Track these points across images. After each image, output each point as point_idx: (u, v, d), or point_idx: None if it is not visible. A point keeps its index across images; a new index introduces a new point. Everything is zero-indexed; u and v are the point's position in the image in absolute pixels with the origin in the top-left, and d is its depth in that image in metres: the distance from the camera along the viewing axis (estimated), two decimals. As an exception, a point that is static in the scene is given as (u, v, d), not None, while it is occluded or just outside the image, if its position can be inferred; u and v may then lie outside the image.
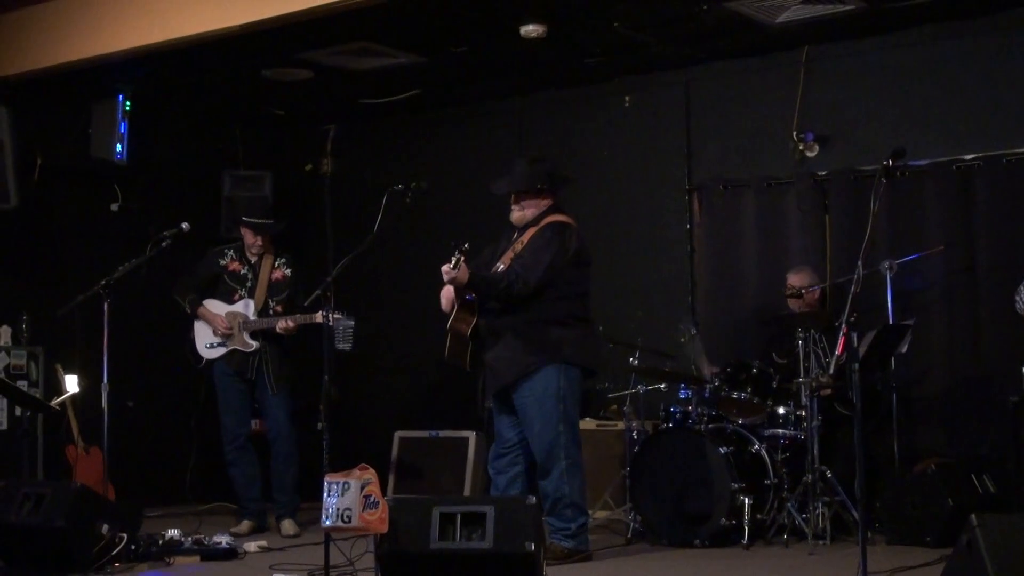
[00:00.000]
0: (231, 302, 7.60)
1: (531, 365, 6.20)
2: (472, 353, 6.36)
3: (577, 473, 6.26)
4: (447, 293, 6.33)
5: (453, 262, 5.83)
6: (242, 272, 7.66)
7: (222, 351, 7.59)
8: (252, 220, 7.67)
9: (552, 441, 6.19)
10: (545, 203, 6.42)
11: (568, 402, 6.26)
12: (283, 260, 7.72)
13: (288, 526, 7.53)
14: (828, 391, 7.11)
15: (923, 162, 7.68)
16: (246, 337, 7.53)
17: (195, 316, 7.66)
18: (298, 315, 7.30)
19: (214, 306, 7.62)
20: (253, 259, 7.68)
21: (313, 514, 6.50)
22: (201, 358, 7.67)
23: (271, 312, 7.55)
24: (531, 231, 6.33)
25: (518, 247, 6.30)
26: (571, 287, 6.32)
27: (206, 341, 7.63)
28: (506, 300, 6.17)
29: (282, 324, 7.36)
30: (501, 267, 6.29)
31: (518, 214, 6.42)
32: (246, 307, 7.56)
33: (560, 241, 6.26)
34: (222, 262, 7.71)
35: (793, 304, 7.57)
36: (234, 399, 7.64)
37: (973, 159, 7.60)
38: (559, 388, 6.22)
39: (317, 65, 8.47)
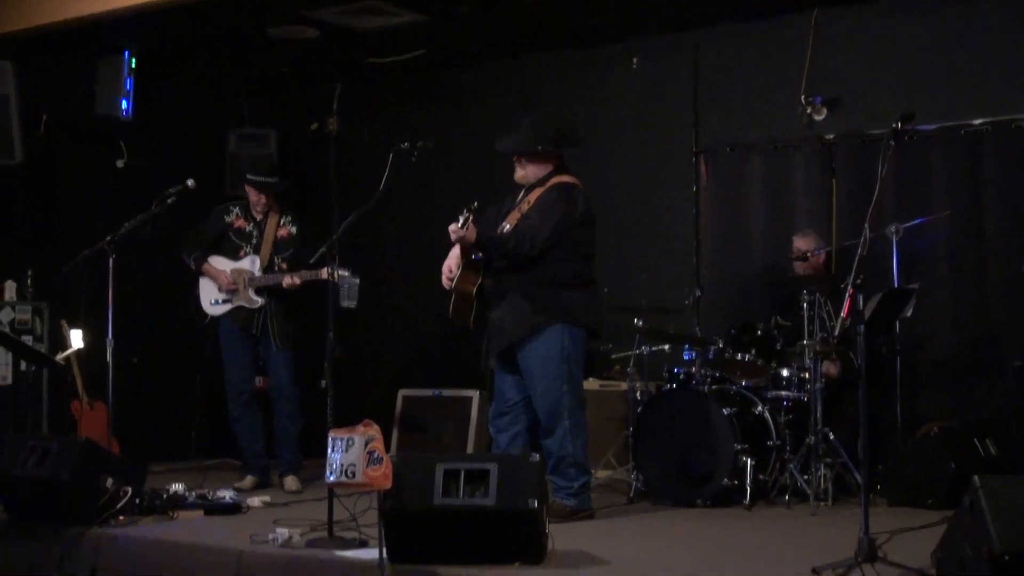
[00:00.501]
0: (236, 259, 7.61)
1: (537, 325, 6.20)
2: (476, 312, 6.37)
3: (580, 433, 6.28)
4: (453, 252, 6.33)
5: (461, 221, 5.85)
6: (247, 229, 7.66)
7: (227, 308, 7.60)
8: (256, 178, 7.66)
9: (556, 401, 6.21)
10: (549, 164, 6.40)
11: (572, 362, 6.26)
12: (288, 218, 7.72)
13: (291, 482, 7.55)
14: (833, 372, 7.15)
15: (931, 127, 7.65)
16: (251, 294, 7.53)
17: (200, 273, 7.66)
18: (304, 271, 7.30)
19: (219, 263, 7.63)
20: (258, 216, 7.68)
21: (317, 471, 6.52)
22: (206, 315, 7.67)
23: (276, 269, 7.56)
24: (537, 191, 6.31)
25: (524, 207, 6.28)
26: (577, 248, 6.32)
27: (211, 298, 7.64)
28: (513, 260, 6.17)
29: (287, 280, 7.37)
30: (507, 227, 6.28)
31: (520, 173, 6.41)
32: (252, 264, 7.57)
33: (567, 202, 6.25)
34: (227, 219, 7.71)
35: (798, 267, 7.57)
36: (238, 356, 7.66)
37: (982, 124, 7.57)
38: (563, 348, 6.22)
39: (323, 24, 8.44)
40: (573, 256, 6.30)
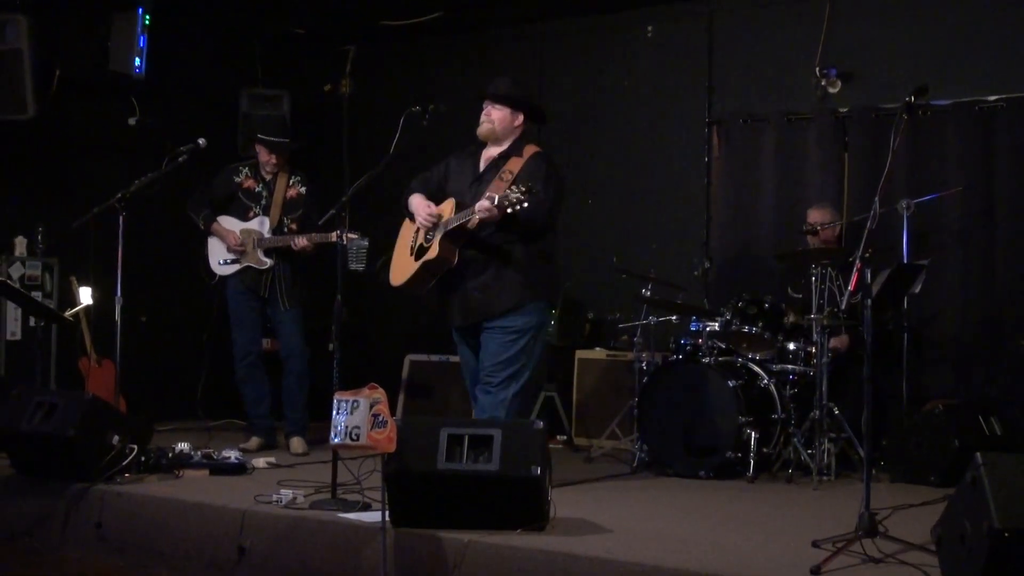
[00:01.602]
0: (246, 219, 7.61)
1: (521, 300, 6.06)
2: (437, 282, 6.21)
3: (517, 401, 6.11)
4: (424, 203, 6.20)
5: (506, 202, 5.63)
6: (257, 190, 7.66)
7: (236, 268, 7.60)
8: (267, 138, 7.64)
9: (515, 372, 6.06)
10: (517, 125, 6.23)
11: (540, 339, 6.17)
12: (298, 178, 7.71)
13: (297, 444, 7.58)
14: (842, 347, 7.15)
15: (945, 102, 7.63)
16: (260, 255, 7.54)
17: (209, 232, 7.67)
18: (313, 234, 7.30)
19: (228, 223, 7.63)
20: (268, 177, 7.67)
21: (322, 433, 6.55)
22: (214, 274, 7.67)
23: (286, 230, 7.56)
24: (515, 160, 6.13)
25: (507, 176, 6.01)
26: (555, 221, 6.23)
27: (220, 258, 7.64)
28: (526, 234, 6.02)
29: (299, 242, 7.36)
30: (495, 198, 5.94)
31: (486, 127, 6.21)
32: (261, 225, 7.57)
33: (557, 174, 6.16)
34: (237, 179, 7.70)
35: (811, 240, 7.54)
36: (246, 316, 7.67)
37: (996, 100, 7.55)
38: (537, 324, 6.12)
39: (338, -16, 8.42)
40: (552, 229, 6.22)
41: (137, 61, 8.72)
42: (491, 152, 6.27)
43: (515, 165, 6.11)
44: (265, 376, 7.75)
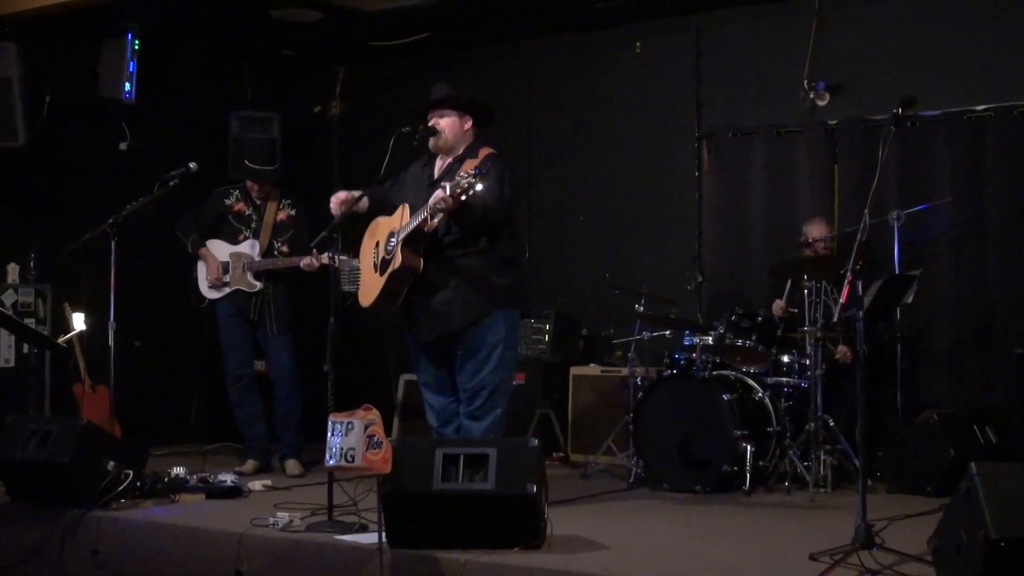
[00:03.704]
0: (236, 242, 7.61)
1: (485, 309, 5.97)
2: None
3: (502, 424, 6.11)
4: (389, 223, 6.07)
5: (457, 189, 5.45)
6: (247, 213, 7.66)
7: (225, 291, 7.60)
8: (251, 166, 7.66)
9: (494, 389, 6.02)
10: (467, 130, 6.14)
11: (512, 348, 6.11)
12: (288, 201, 7.71)
13: (292, 466, 7.57)
14: (850, 356, 7.15)
15: (934, 112, 7.65)
16: (250, 277, 7.53)
17: (196, 256, 7.67)
18: (312, 256, 7.29)
19: (219, 247, 7.63)
20: (258, 200, 7.68)
21: (317, 454, 6.54)
22: (203, 298, 7.67)
23: (276, 253, 7.57)
24: (469, 163, 5.96)
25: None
26: (514, 225, 6.14)
27: (208, 281, 7.64)
28: (485, 225, 5.88)
29: (306, 261, 7.31)
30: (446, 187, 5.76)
31: (431, 142, 6.10)
32: (251, 248, 7.57)
33: (510, 173, 6.02)
34: (227, 202, 7.71)
35: (807, 253, 7.54)
36: (237, 339, 7.66)
37: (984, 110, 7.56)
38: (507, 334, 6.03)
39: (326, 6, 8.42)
40: (513, 233, 6.13)
41: (127, 86, 8.72)
42: (446, 159, 6.15)
43: (469, 166, 5.87)
44: (259, 398, 7.74)
